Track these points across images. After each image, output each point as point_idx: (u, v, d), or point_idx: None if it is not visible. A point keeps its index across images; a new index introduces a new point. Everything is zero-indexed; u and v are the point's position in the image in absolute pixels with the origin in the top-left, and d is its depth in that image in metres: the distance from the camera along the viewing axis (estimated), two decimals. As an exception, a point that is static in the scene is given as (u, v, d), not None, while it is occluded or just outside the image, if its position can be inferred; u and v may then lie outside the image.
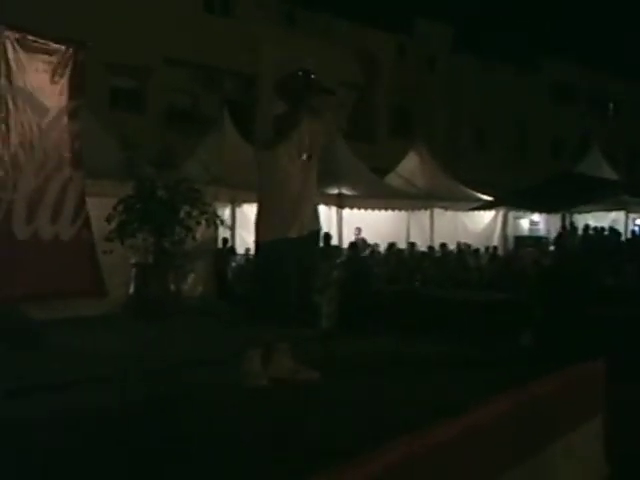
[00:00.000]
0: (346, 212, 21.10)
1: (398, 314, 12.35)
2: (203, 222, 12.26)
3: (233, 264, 17.80)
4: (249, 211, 19.08)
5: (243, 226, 19.11)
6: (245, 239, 19.14)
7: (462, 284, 15.58)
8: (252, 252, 18.01)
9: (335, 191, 20.71)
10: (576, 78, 43.82)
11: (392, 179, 24.85)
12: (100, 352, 7.41)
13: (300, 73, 5.98)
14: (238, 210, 19.03)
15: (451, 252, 20.99)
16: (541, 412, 5.02)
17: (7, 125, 8.69)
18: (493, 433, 4.45)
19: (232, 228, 18.80)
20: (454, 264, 19.05)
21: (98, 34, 24.77)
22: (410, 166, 25.39)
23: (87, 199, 10.42)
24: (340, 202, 20.61)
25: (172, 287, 11.74)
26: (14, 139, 8.75)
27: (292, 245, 5.74)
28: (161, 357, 7.07)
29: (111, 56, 26.04)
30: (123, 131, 19.11)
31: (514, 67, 40.00)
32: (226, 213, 18.33)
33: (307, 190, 5.92)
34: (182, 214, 11.69)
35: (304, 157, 5.87)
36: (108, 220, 11.18)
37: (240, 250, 18.64)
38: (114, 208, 11.32)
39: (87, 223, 9.63)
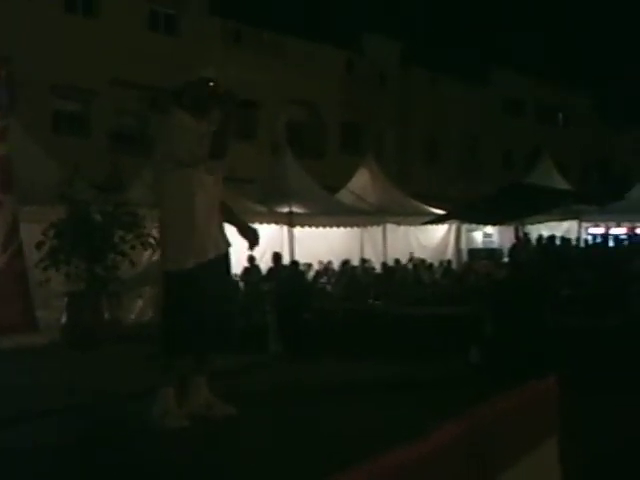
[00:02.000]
0: (298, 231, 20.78)
1: (348, 333, 12.14)
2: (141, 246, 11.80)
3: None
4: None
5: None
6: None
7: (417, 300, 15.34)
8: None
9: (285, 209, 20.44)
10: (525, 91, 44.07)
11: (343, 196, 24.59)
12: (20, 386, 7.04)
13: (204, 81, 5.67)
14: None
15: (405, 267, 20.78)
16: (490, 438, 4.73)
17: None
18: (435, 466, 4.14)
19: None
20: (408, 280, 18.83)
21: (41, 55, 24.45)
22: (361, 182, 25.16)
23: (26, 225, 9.93)
24: (290, 220, 20.31)
25: (106, 315, 11.19)
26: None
27: (203, 270, 5.42)
28: (81, 391, 6.71)
29: (54, 78, 25.64)
30: (66, 154, 18.75)
31: (464, 81, 40.06)
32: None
33: (215, 208, 5.63)
34: (116, 239, 11.22)
35: (217, 173, 5.59)
36: (38, 246, 10.68)
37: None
38: (44, 233, 10.80)
39: (19, 251, 9.11)
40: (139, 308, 15.47)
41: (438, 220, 23.94)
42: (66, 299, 11.04)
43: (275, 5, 36.21)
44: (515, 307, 8.54)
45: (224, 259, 5.66)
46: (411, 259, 21.92)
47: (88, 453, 4.74)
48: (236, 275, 17.81)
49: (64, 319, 10.85)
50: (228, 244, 5.72)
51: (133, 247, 11.64)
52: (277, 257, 17.44)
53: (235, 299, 5.97)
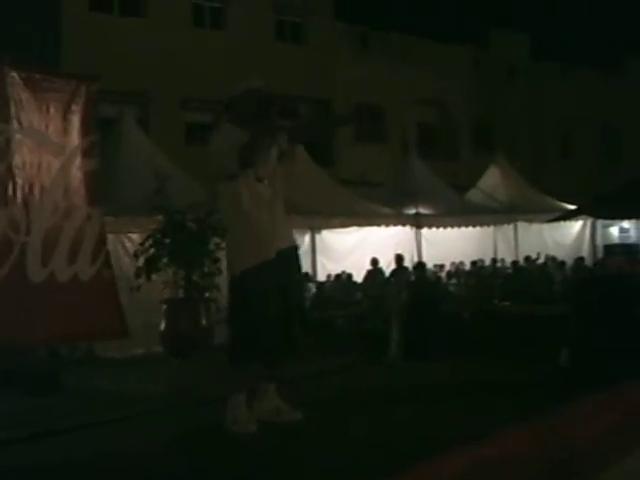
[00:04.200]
0: (428, 232, 20.68)
1: (471, 334, 12.04)
2: None
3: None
4: (328, 237, 18.91)
5: (323, 252, 18.92)
6: (326, 266, 18.93)
7: (541, 298, 14.99)
8: (332, 279, 17.57)
9: (412, 211, 20.37)
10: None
11: (474, 195, 24.37)
12: (110, 393, 7.31)
13: (250, 93, 5.72)
14: (317, 237, 18.82)
15: (533, 266, 20.39)
16: (571, 443, 4.57)
17: (18, 166, 8.56)
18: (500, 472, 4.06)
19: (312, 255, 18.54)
20: (537, 278, 18.44)
21: (171, 70, 25.14)
22: (492, 180, 24.81)
23: (124, 236, 10.20)
24: (417, 222, 20.22)
25: (203, 322, 11.31)
26: (26, 180, 8.58)
27: (259, 273, 5.46)
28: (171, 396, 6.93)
29: (185, 92, 26.25)
30: (196, 165, 19.17)
31: (598, 70, 38.92)
32: (305, 240, 18.07)
33: (274, 215, 5.66)
34: (211, 246, 11.43)
35: (264, 182, 5.64)
36: (136, 255, 11.13)
37: (321, 277, 18.42)
38: (141, 244, 11.26)
39: (107, 262, 9.38)
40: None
41: (566, 216, 23.27)
42: (164, 306, 11.34)
43: (400, 7, 36.10)
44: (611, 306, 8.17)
45: (285, 259, 5.70)
46: (537, 257, 21.47)
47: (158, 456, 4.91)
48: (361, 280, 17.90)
49: (162, 326, 11.13)
50: (292, 243, 5.78)
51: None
52: (399, 259, 17.33)
53: (302, 300, 6.02)
